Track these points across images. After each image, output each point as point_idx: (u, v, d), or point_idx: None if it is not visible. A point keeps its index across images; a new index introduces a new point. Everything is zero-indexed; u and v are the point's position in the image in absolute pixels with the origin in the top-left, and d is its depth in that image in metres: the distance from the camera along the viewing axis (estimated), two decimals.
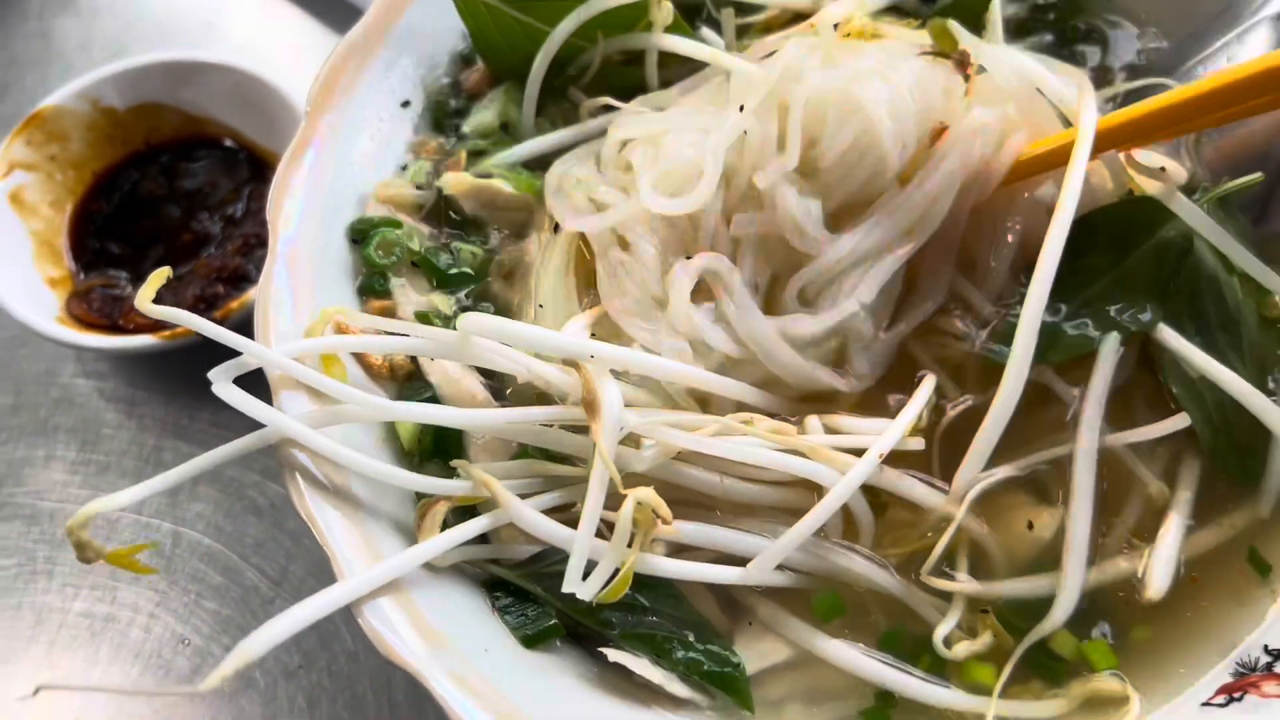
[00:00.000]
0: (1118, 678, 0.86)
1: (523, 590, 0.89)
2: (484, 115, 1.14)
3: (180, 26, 1.67)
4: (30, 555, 1.24)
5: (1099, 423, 0.89)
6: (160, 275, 0.82)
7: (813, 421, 0.94)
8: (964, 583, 0.89)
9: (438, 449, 0.95)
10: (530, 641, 0.87)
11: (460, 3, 1.11)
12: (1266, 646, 0.85)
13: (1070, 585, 0.86)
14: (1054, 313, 0.93)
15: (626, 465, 0.86)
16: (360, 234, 1.04)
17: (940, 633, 0.87)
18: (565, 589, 0.79)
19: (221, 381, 0.84)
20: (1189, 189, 0.97)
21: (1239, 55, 1.03)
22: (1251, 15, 1.05)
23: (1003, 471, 0.91)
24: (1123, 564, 0.90)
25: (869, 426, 0.92)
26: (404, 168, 1.11)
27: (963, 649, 0.86)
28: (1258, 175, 0.97)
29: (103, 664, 1.17)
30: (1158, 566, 0.88)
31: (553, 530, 0.84)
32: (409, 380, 1.01)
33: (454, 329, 0.88)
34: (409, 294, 1.04)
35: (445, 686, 0.79)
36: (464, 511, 0.88)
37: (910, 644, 0.89)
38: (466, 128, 1.13)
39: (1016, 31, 1.19)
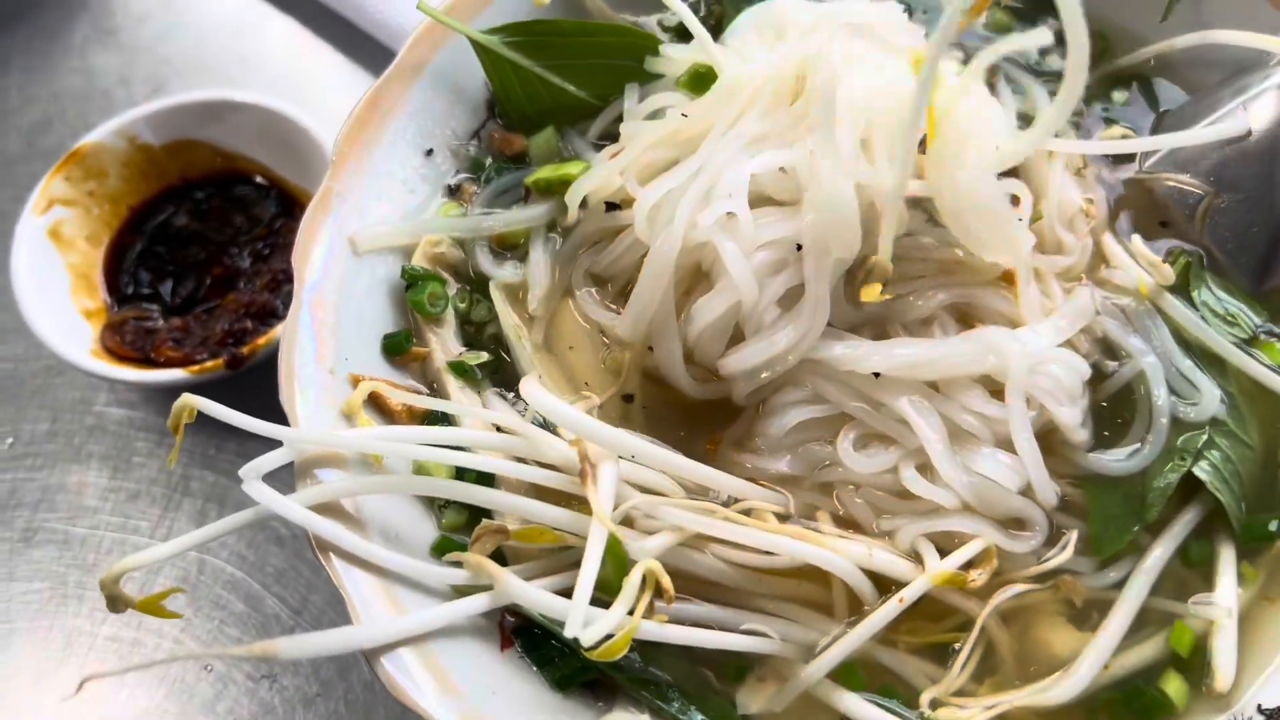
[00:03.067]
0: None
1: (544, 633, 0.91)
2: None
3: (216, 63, 1.72)
4: (61, 580, 1.28)
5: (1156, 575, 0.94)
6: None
7: (824, 516, 0.97)
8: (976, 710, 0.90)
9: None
10: (561, 684, 0.90)
11: (484, 57, 1.15)
12: (1260, 706, 0.87)
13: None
14: None
15: (633, 553, 0.89)
16: (411, 280, 1.08)
17: (927, 697, 0.91)
18: (567, 633, 0.81)
19: (251, 480, 0.87)
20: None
21: (1245, 120, 1.05)
22: (1260, 83, 1.07)
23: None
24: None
25: None
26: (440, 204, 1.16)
27: (946, 714, 0.89)
28: None
29: (129, 687, 1.20)
30: (1222, 656, 0.90)
31: (550, 603, 0.86)
32: (426, 419, 1.04)
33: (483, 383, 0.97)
34: (446, 345, 1.08)
35: None
36: None
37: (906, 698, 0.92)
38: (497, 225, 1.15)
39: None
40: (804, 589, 0.96)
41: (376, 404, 1.00)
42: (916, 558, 0.93)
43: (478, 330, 1.11)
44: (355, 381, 0.99)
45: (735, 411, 1.04)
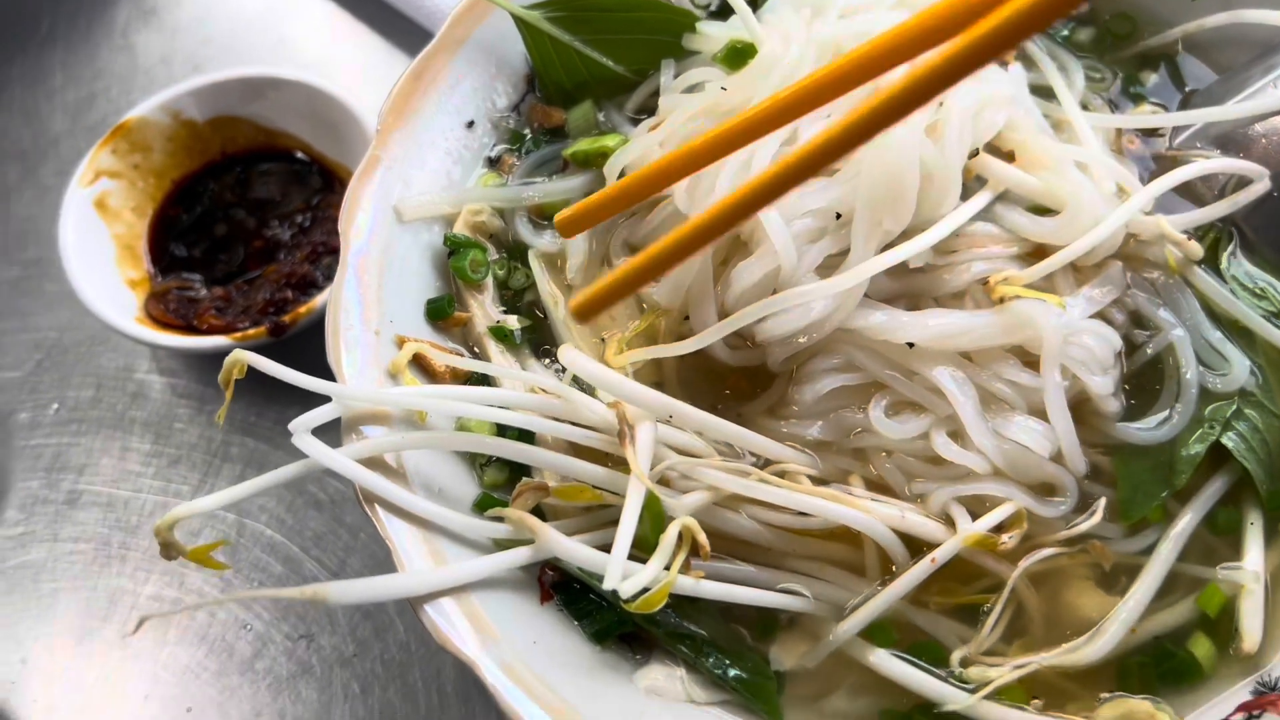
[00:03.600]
0: (1152, 702, 0.89)
1: (583, 587, 0.94)
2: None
3: (255, 43, 1.75)
4: (105, 541, 1.32)
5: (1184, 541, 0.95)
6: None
7: (855, 479, 0.99)
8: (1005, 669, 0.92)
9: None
10: (599, 636, 0.92)
11: (525, 31, 1.17)
12: None
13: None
14: None
15: (670, 510, 0.91)
16: (454, 246, 1.11)
17: (957, 655, 0.92)
18: (605, 585, 0.84)
19: (301, 433, 0.90)
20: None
21: (1277, 97, 1.07)
22: None
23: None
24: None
25: None
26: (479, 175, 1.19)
27: (976, 672, 0.91)
28: None
29: (171, 645, 1.23)
30: (1249, 619, 0.92)
31: (590, 556, 0.88)
32: (467, 381, 1.07)
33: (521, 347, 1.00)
34: (486, 310, 1.11)
35: (496, 676, 0.84)
36: None
37: (936, 657, 0.94)
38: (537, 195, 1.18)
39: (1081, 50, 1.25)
40: (837, 550, 0.97)
41: (420, 365, 1.02)
42: (948, 521, 0.95)
43: (515, 296, 1.14)
44: (400, 342, 1.02)
45: (768, 379, 1.06)
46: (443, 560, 0.89)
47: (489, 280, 1.12)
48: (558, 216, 0.99)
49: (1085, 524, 0.95)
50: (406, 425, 0.97)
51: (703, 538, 0.86)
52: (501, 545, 0.93)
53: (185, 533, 1.29)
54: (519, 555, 0.90)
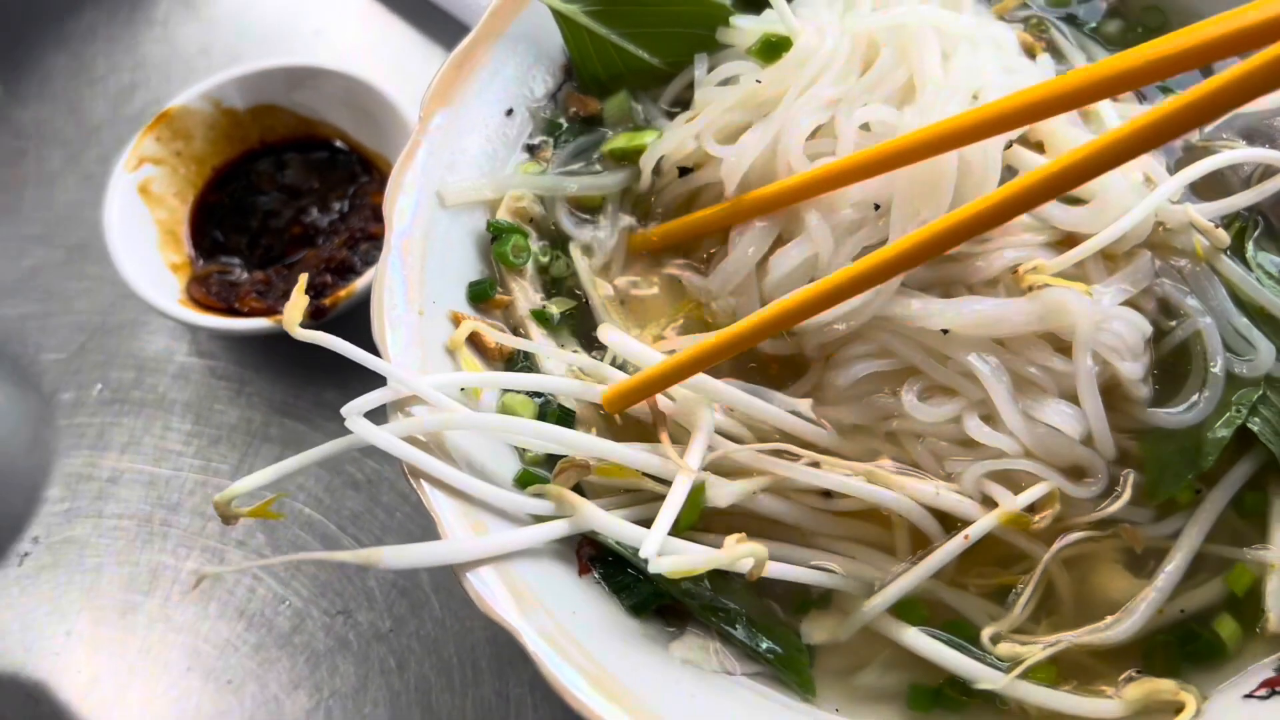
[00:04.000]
0: (1178, 683, 0.90)
1: (620, 561, 0.96)
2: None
3: (292, 34, 1.79)
4: (147, 518, 1.35)
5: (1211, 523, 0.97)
6: (301, 302, 0.90)
7: (887, 463, 1.01)
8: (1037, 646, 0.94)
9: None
10: (637, 609, 0.95)
11: (563, 24, 1.20)
12: None
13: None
14: None
15: (711, 500, 0.94)
16: (496, 232, 1.13)
17: (988, 632, 0.94)
18: (642, 554, 0.86)
19: (353, 416, 0.91)
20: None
21: None
22: None
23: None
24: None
25: None
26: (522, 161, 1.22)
27: (1007, 649, 0.93)
28: None
29: (211, 619, 1.26)
30: (1275, 598, 0.93)
31: (629, 531, 0.91)
32: (510, 360, 1.09)
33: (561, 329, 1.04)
34: (528, 294, 1.13)
35: (537, 643, 0.86)
36: None
37: (967, 635, 0.96)
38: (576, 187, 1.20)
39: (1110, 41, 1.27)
40: (868, 530, 1.00)
41: (474, 342, 1.05)
42: (982, 501, 0.97)
43: (554, 283, 1.16)
44: (457, 320, 1.05)
45: (803, 366, 1.08)
46: (485, 533, 0.92)
47: (529, 265, 1.14)
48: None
49: (1116, 504, 0.97)
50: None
51: (764, 556, 0.89)
52: (541, 520, 0.95)
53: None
54: (558, 528, 0.93)
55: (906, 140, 0.96)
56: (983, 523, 0.93)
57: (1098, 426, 0.98)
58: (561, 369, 1.04)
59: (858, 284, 0.91)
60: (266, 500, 0.88)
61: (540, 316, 1.11)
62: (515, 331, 1.11)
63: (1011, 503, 0.94)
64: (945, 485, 0.97)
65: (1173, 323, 1.05)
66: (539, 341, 1.09)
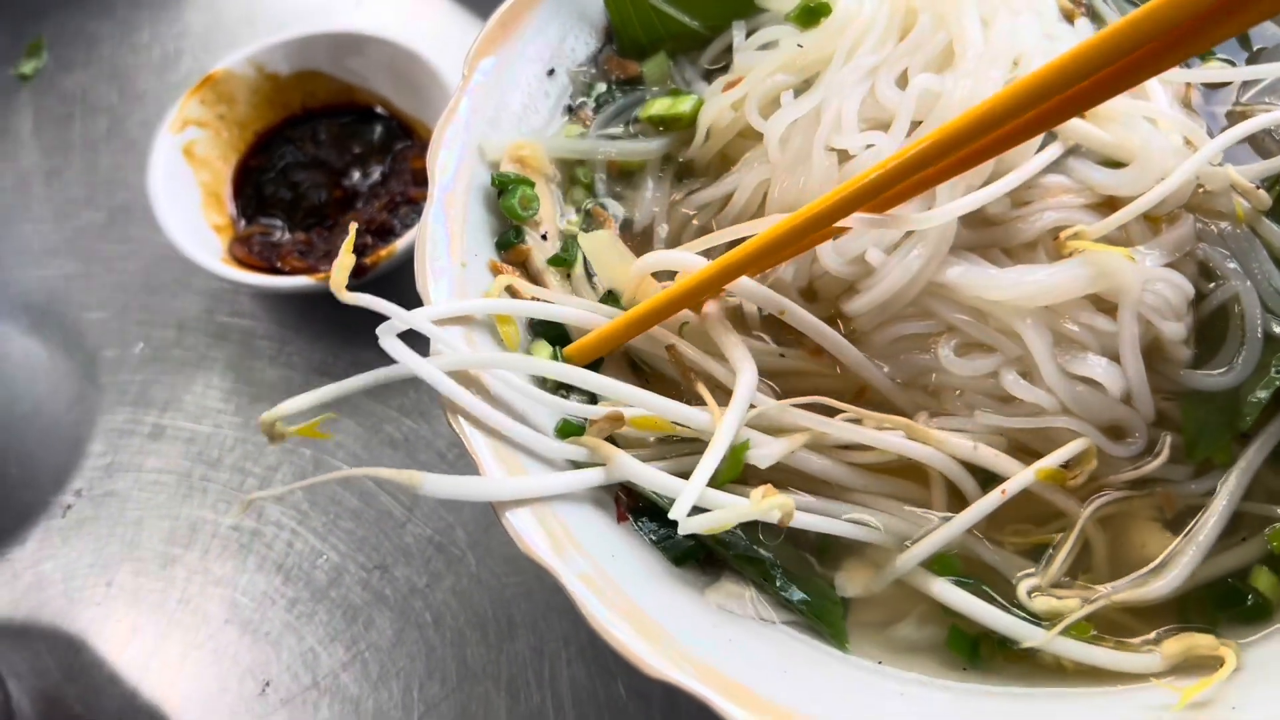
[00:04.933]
0: (1216, 638, 0.91)
1: (656, 511, 0.96)
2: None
3: (334, 4, 1.81)
4: (187, 474, 1.37)
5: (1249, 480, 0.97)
6: (348, 262, 0.90)
7: (922, 416, 1.02)
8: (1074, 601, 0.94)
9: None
10: (680, 560, 0.96)
11: None
12: None
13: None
14: None
15: (753, 460, 0.94)
16: (502, 186, 1.14)
17: (1025, 586, 0.95)
18: (671, 515, 0.87)
19: (386, 335, 0.93)
20: None
21: None
22: None
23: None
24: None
25: None
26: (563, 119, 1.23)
27: (1043, 603, 0.93)
28: None
29: (249, 572, 1.28)
30: None
31: (664, 481, 0.92)
32: None
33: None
34: (541, 245, 1.14)
35: (575, 584, 0.87)
36: None
37: (1002, 590, 0.96)
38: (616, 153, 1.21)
39: None
40: (904, 486, 1.00)
41: (511, 294, 1.06)
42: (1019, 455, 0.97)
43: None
44: (495, 269, 1.06)
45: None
46: (523, 474, 0.93)
47: (541, 215, 1.15)
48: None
49: (1154, 463, 0.97)
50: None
51: (790, 506, 0.88)
52: (579, 468, 0.96)
53: (263, 467, 1.36)
54: (596, 475, 0.94)
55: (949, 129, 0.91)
56: (1020, 478, 0.93)
57: (1138, 386, 0.98)
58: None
59: (883, 183, 0.91)
60: (313, 420, 0.89)
61: (558, 261, 1.12)
62: (535, 282, 1.12)
63: (1047, 459, 0.94)
64: (982, 440, 0.97)
65: (1211, 285, 1.05)
66: (555, 291, 1.09)
